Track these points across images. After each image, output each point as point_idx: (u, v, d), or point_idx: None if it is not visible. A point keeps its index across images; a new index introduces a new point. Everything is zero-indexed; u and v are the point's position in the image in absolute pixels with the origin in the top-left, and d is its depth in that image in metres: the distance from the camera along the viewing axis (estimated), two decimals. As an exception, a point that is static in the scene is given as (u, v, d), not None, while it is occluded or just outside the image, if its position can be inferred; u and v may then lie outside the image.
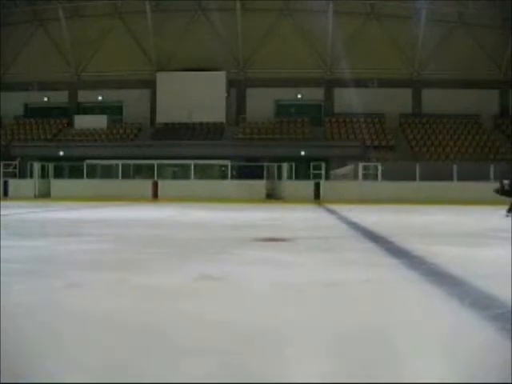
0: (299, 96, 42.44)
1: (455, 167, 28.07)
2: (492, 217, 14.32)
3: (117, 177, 31.17)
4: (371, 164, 30.01)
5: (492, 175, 27.13)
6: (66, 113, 43.01)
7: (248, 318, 2.74)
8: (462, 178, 27.17)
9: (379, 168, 28.50)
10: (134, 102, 42.60)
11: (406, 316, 2.83)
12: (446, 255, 5.33)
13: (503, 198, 14.34)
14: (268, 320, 2.69)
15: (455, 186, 26.61)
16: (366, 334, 2.46)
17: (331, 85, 42.29)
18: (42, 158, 33.39)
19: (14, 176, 32.06)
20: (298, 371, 1.98)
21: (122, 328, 2.53)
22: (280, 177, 30.07)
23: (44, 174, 31.90)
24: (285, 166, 29.87)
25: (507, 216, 12.73)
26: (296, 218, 13.33)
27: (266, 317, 2.75)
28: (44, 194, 29.60)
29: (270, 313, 2.84)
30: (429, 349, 2.30)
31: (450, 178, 27.36)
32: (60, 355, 2.14)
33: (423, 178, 27.39)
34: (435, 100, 40.95)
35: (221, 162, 34.02)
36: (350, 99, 40.32)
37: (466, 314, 2.82)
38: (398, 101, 41.31)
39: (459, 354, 2.20)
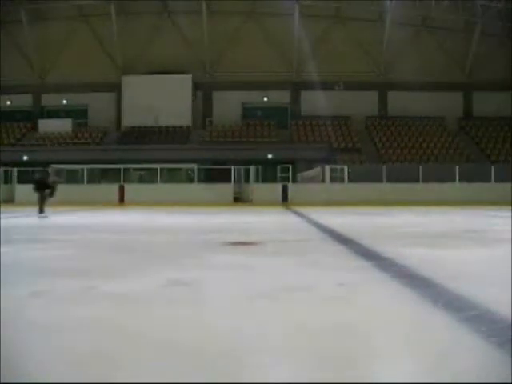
0: (266, 99, 42.52)
1: (421, 169, 28.38)
2: (458, 217, 14.48)
3: (82, 181, 30.82)
4: (338, 166, 30.18)
5: (457, 176, 27.49)
6: (29, 117, 42.41)
7: (221, 325, 2.68)
8: (428, 179, 27.50)
9: (346, 170, 28.67)
10: (99, 105, 42.21)
11: (383, 319, 2.80)
12: (416, 257, 5.33)
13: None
14: (242, 328, 2.63)
15: (421, 188, 26.87)
16: (342, 338, 2.42)
17: (297, 88, 42.45)
18: (5, 163, 32.83)
19: (-24, 182, 31.50)
20: None
21: (90, 338, 2.45)
22: (247, 180, 30.05)
23: (7, 179, 31.39)
24: (252, 169, 29.86)
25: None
26: (264, 221, 13.30)
27: (240, 324, 2.69)
28: (8, 200, 29.10)
29: (244, 320, 2.78)
30: (406, 351, 2.28)
31: (416, 180, 27.65)
32: (24, 367, 2.06)
33: (389, 179, 27.63)
34: (401, 102, 41.37)
35: (188, 165, 33.86)
36: (316, 102, 40.54)
37: (440, 317, 2.79)
38: (364, 103, 41.65)
39: (436, 356, 2.17)
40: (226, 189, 28.86)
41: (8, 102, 42.97)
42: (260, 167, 30.83)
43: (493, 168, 28.07)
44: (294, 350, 2.28)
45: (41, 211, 14.12)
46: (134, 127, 40.91)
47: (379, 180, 27.64)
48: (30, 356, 2.19)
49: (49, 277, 4.14)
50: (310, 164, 32.94)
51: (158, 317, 2.84)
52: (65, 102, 42.84)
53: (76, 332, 2.56)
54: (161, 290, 3.53)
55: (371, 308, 3.05)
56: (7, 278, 4.13)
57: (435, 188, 26.49)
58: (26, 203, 26.45)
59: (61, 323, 2.72)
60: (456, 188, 26.78)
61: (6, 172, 31.77)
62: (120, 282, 3.90)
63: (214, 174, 33.72)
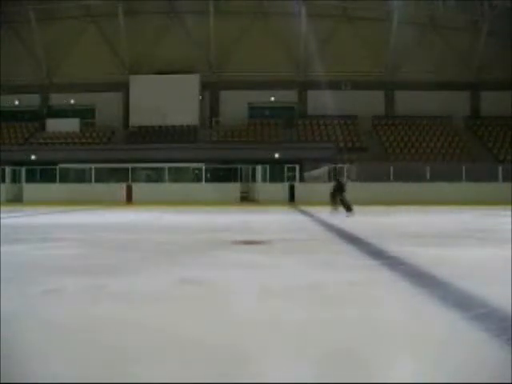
0: (272, 98, 42.47)
1: (428, 168, 28.33)
2: (466, 217, 14.45)
3: (90, 181, 30.94)
4: (345, 166, 30.11)
5: (464, 176, 27.45)
6: (37, 116, 42.48)
7: (237, 325, 2.70)
8: (435, 178, 27.46)
9: (353, 170, 28.63)
10: (106, 105, 42.26)
11: (395, 317, 2.82)
12: (424, 256, 5.35)
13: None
14: (258, 327, 2.66)
15: (428, 187, 26.82)
16: (356, 336, 2.45)
17: (304, 87, 42.39)
18: (14, 163, 32.96)
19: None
20: None
21: (103, 337, 2.48)
22: (254, 179, 30.09)
23: (15, 179, 31.52)
24: (259, 168, 29.89)
25: (347, 216, 13.58)
26: (272, 220, 13.31)
27: (256, 324, 2.72)
28: (16, 199, 29.23)
29: (259, 319, 2.81)
30: (414, 348, 2.30)
31: (423, 179, 27.59)
32: (39, 365, 2.09)
33: (396, 179, 27.59)
34: (408, 101, 41.27)
35: (195, 165, 33.90)
36: (323, 101, 40.44)
37: (450, 315, 2.82)
38: (370, 102, 41.53)
39: (449, 354, 2.19)
40: (233, 188, 28.91)
41: (16, 102, 43.07)
42: (267, 166, 30.84)
43: (500, 167, 28.01)
44: (307, 348, 2.31)
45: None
46: (141, 127, 40.95)
47: (386, 179, 27.61)
48: (42, 354, 2.22)
49: (60, 275, 4.17)
50: (316, 163, 32.89)
51: (172, 315, 2.87)
52: (72, 101, 42.91)
53: (88, 330, 2.59)
54: (174, 289, 3.56)
55: (381, 307, 3.08)
56: (19, 276, 4.17)
57: (442, 187, 26.44)
58: (34, 202, 26.59)
59: (73, 321, 2.74)
60: (463, 187, 26.72)
61: (13, 171, 31.90)
62: (132, 280, 3.93)
63: (221, 174, 33.81)
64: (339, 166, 16.70)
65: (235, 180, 30.03)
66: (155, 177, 33.63)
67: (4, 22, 42.08)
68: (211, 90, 42.37)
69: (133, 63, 42.13)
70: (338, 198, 15.03)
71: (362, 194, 25.90)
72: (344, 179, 16.68)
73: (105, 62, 42.20)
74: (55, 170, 31.22)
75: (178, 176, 33.16)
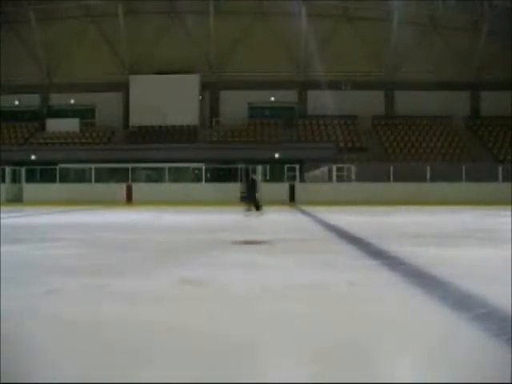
0: (272, 98, 42.47)
1: (429, 168, 28.33)
2: (466, 217, 14.46)
3: (90, 181, 30.94)
4: (345, 166, 30.15)
5: (464, 176, 27.45)
6: (37, 116, 42.49)
7: (237, 325, 2.71)
8: (435, 178, 27.48)
9: (353, 170, 28.65)
10: (106, 105, 42.25)
11: (395, 317, 2.82)
12: (424, 256, 5.35)
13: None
14: (258, 327, 2.66)
15: (428, 187, 26.83)
16: (356, 336, 2.45)
17: (304, 87, 42.40)
18: (14, 163, 32.96)
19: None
20: None
21: (105, 337, 2.48)
22: (254, 179, 30.07)
23: (15, 179, 31.52)
24: (259, 168, 29.89)
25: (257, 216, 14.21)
26: (272, 220, 13.31)
27: (256, 324, 2.72)
28: (16, 199, 29.22)
29: (261, 319, 2.81)
30: (415, 348, 2.30)
31: (423, 179, 27.60)
32: (41, 364, 2.09)
33: (396, 179, 27.59)
34: (408, 101, 41.26)
35: (195, 165, 33.91)
36: (323, 101, 40.45)
37: (450, 315, 2.82)
38: (370, 103, 41.52)
39: (449, 354, 2.20)
40: (233, 188, 28.88)
41: (16, 102, 43.07)
42: (267, 167, 30.85)
43: (500, 167, 28.01)
44: (307, 347, 2.31)
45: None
46: (141, 127, 40.94)
47: (386, 179, 27.62)
48: (42, 354, 2.22)
49: (60, 275, 4.17)
50: (317, 163, 32.90)
51: (172, 314, 2.88)
52: (72, 101, 42.90)
53: (88, 330, 2.59)
54: (174, 289, 3.56)
55: (381, 306, 3.08)
56: (22, 276, 4.18)
57: (442, 187, 26.45)
58: (34, 202, 26.58)
59: (73, 321, 2.75)
60: (463, 187, 26.73)
61: (14, 171, 31.90)
62: (133, 280, 3.94)
63: (221, 174, 33.83)
64: (251, 166, 17.44)
65: (235, 180, 30.01)
66: (155, 177, 33.66)
67: (4, 21, 42.08)
68: (211, 89, 42.37)
69: (133, 63, 42.13)
70: (253, 196, 15.70)
71: (362, 194, 25.98)
72: (256, 178, 17.39)
73: (105, 61, 42.21)
74: (55, 169, 31.22)
75: (177, 176, 33.16)
